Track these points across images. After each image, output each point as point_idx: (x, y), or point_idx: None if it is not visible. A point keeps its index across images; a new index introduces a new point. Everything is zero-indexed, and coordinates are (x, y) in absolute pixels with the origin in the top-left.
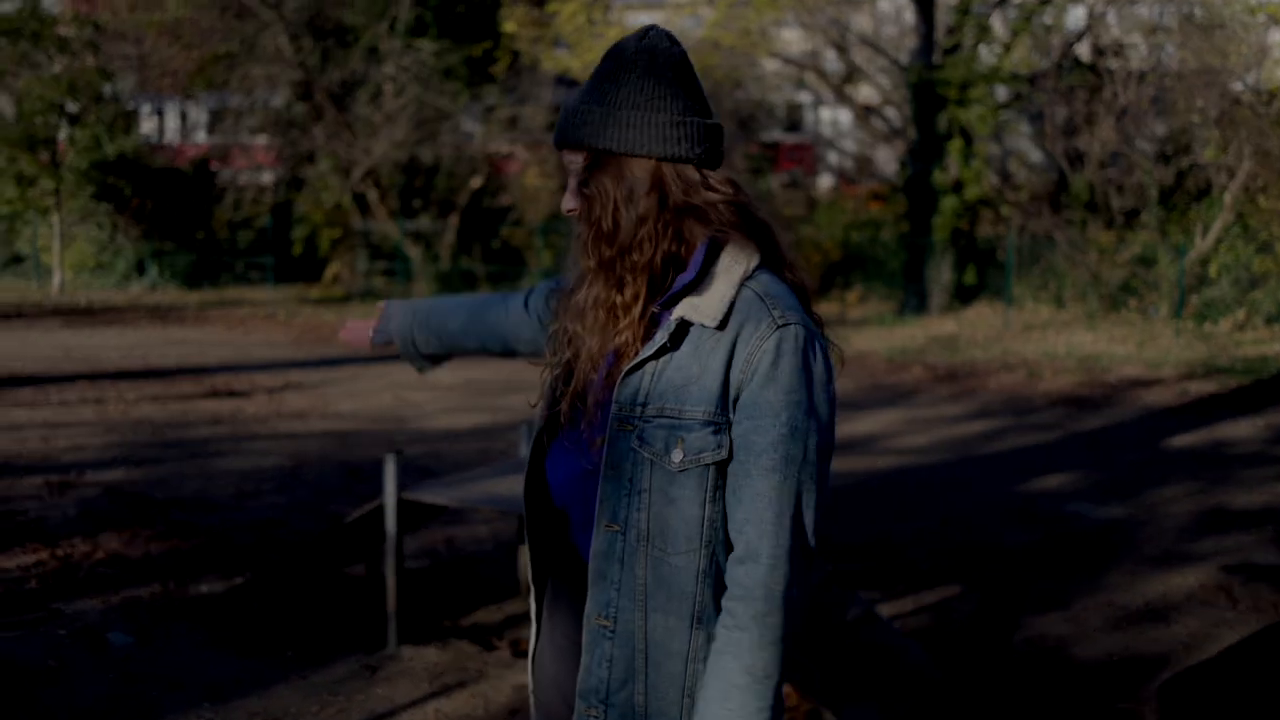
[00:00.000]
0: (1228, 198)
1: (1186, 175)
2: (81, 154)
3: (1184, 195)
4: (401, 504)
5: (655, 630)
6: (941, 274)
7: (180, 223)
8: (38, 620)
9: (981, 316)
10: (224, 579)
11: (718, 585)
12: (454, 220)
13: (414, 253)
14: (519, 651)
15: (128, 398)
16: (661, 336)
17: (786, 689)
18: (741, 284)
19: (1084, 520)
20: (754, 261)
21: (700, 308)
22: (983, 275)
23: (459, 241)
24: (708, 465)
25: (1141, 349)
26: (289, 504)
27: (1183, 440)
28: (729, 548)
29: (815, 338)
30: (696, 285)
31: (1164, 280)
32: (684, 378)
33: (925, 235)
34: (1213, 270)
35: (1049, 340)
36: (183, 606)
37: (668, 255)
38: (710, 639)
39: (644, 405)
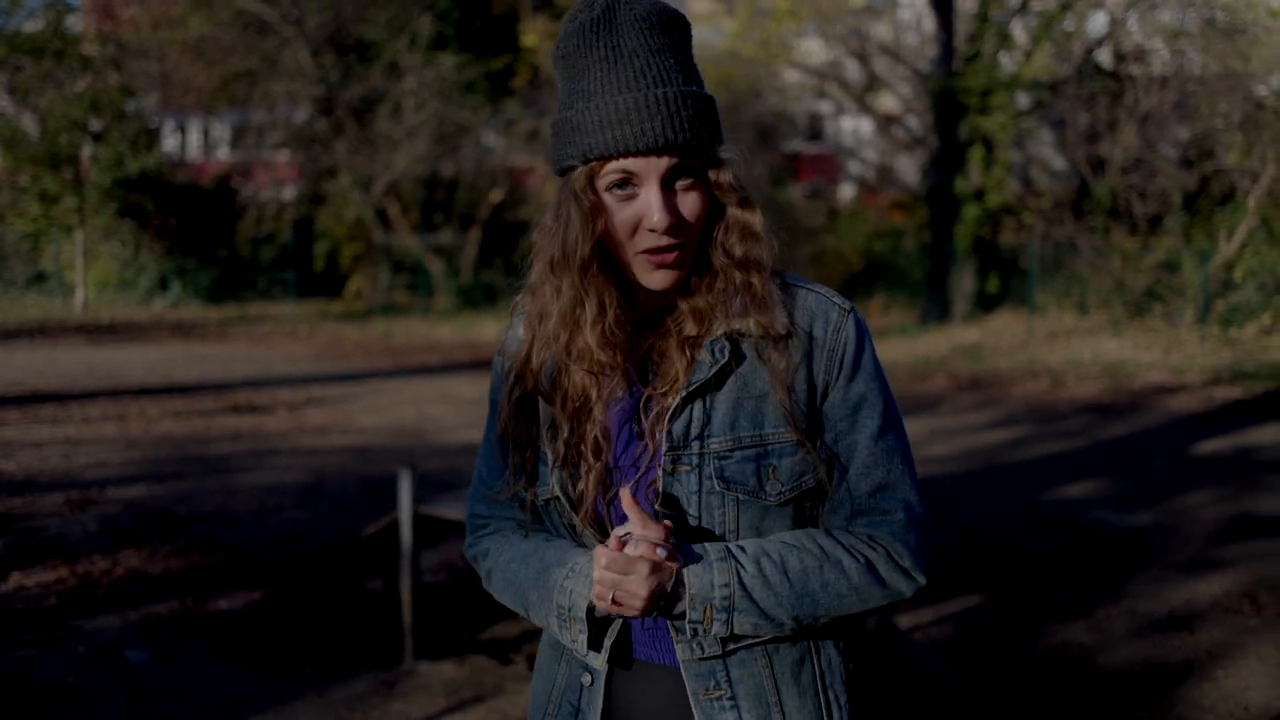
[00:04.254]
0: (1252, 202)
1: (1210, 180)
2: (104, 171)
3: (1208, 200)
4: (417, 518)
5: (783, 672)
6: (964, 282)
7: (202, 239)
8: (56, 637)
9: (1005, 324)
10: (244, 595)
11: None
12: (475, 234)
13: (435, 267)
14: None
15: (150, 414)
16: (716, 357)
17: None
18: (780, 286)
19: (1108, 528)
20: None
21: (768, 319)
22: (1006, 283)
23: (480, 255)
24: (808, 490)
25: (1166, 355)
26: (310, 519)
27: (1209, 446)
28: None
29: None
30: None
31: (1188, 286)
32: (755, 398)
33: (947, 243)
34: (1238, 275)
35: (1073, 347)
36: (202, 623)
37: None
38: (831, 661)
39: (704, 439)
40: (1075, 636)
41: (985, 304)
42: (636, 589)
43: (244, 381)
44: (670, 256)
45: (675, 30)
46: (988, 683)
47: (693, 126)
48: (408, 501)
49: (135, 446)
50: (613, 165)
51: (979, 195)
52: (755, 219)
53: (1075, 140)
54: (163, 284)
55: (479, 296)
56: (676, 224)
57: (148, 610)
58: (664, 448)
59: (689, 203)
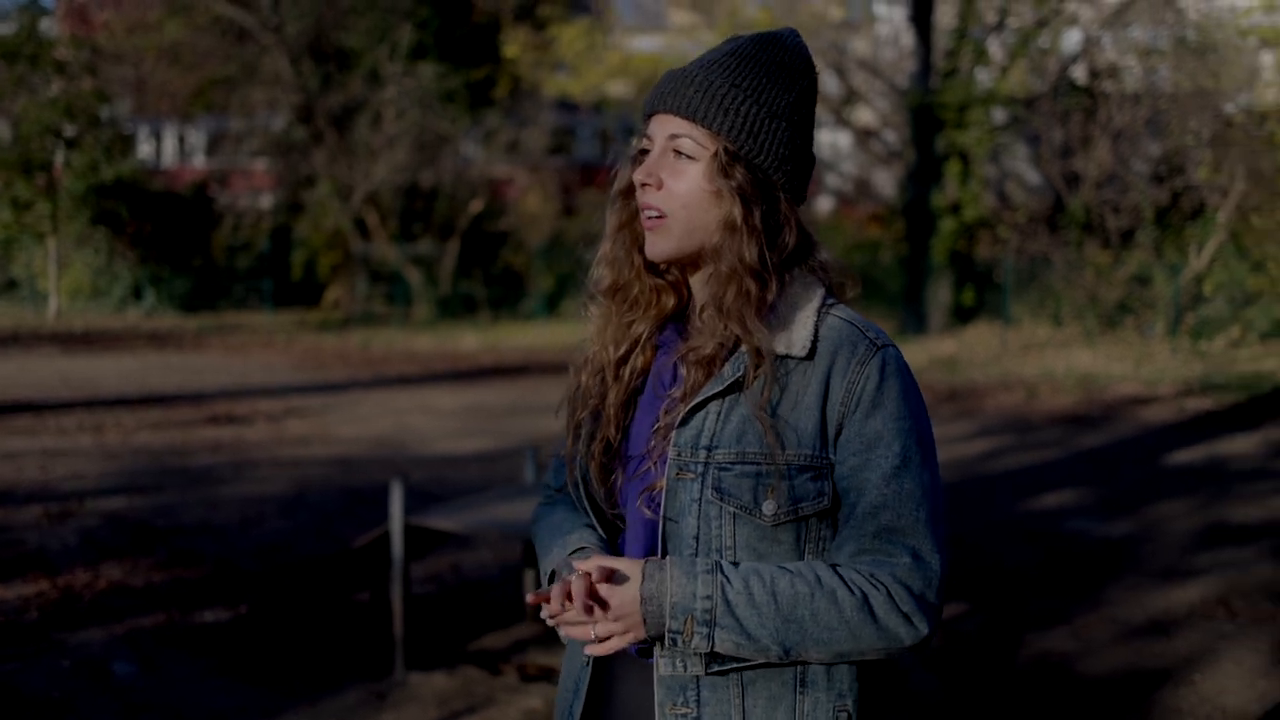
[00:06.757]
0: (1221, 217)
1: (1181, 195)
2: (78, 178)
3: (1179, 215)
4: (408, 529)
5: (755, 705)
6: (940, 295)
7: (178, 247)
8: (40, 651)
9: (980, 336)
10: (228, 607)
11: None
12: (454, 244)
13: (414, 277)
14: (526, 676)
15: (126, 425)
16: (732, 370)
17: None
18: (821, 312)
19: (1085, 537)
20: (823, 291)
21: (782, 336)
22: (981, 295)
23: (459, 265)
24: (807, 517)
25: (1139, 367)
26: (293, 530)
27: (1181, 457)
28: None
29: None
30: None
31: (1160, 299)
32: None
33: (924, 256)
34: (1207, 288)
35: (1047, 359)
36: (187, 635)
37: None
38: (818, 705)
39: (711, 449)
40: (1057, 644)
41: (961, 316)
42: (603, 630)
43: (222, 392)
44: (654, 222)
45: (772, 49)
46: (972, 692)
47: (693, 103)
48: (399, 512)
49: (113, 458)
50: (648, 128)
51: (955, 209)
52: (735, 211)
53: (1050, 155)
54: (137, 293)
55: (457, 307)
56: (652, 186)
57: (132, 623)
58: (671, 454)
59: (676, 171)
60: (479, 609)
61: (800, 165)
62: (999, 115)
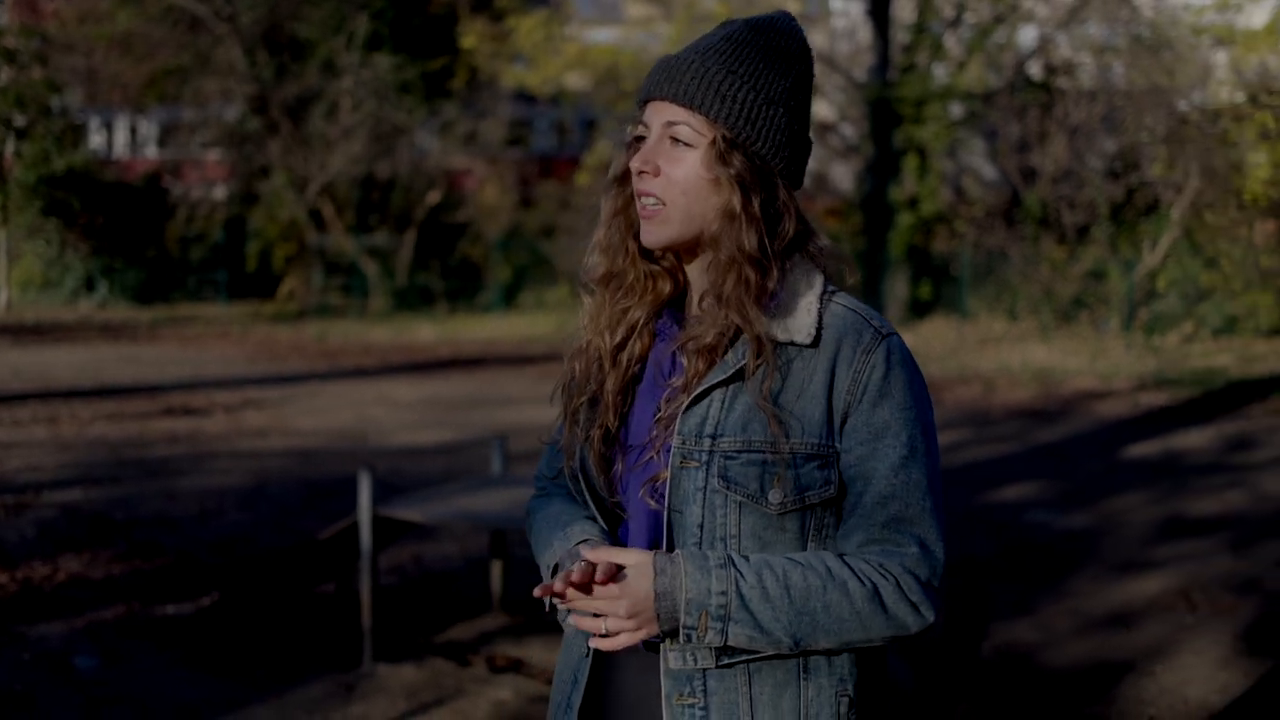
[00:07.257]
0: (1175, 213)
1: (1135, 192)
2: (29, 168)
3: (1133, 211)
4: (375, 520)
5: (762, 693)
6: (898, 288)
7: (131, 238)
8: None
9: (937, 330)
10: (191, 599)
11: None
12: (411, 236)
13: (370, 269)
14: (495, 667)
15: (82, 417)
16: (736, 358)
17: None
18: (823, 299)
19: (1046, 530)
20: (823, 279)
21: (785, 324)
22: (938, 289)
23: (416, 257)
24: (813, 506)
25: (1093, 361)
26: (253, 522)
27: (1137, 450)
28: None
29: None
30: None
31: (1114, 294)
32: (773, 404)
33: (881, 250)
34: (1161, 284)
35: (1004, 353)
36: (150, 627)
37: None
38: (820, 691)
39: (715, 437)
40: (1021, 635)
41: (918, 310)
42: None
43: (178, 383)
44: (652, 210)
45: (767, 33)
46: (938, 681)
47: (690, 90)
48: (367, 502)
49: (69, 449)
50: (644, 115)
51: (913, 203)
52: (734, 199)
53: (1007, 151)
54: (89, 284)
55: (414, 299)
56: (650, 173)
57: (93, 615)
58: (675, 442)
59: (674, 159)
60: (445, 600)
61: (798, 151)
62: (956, 110)
